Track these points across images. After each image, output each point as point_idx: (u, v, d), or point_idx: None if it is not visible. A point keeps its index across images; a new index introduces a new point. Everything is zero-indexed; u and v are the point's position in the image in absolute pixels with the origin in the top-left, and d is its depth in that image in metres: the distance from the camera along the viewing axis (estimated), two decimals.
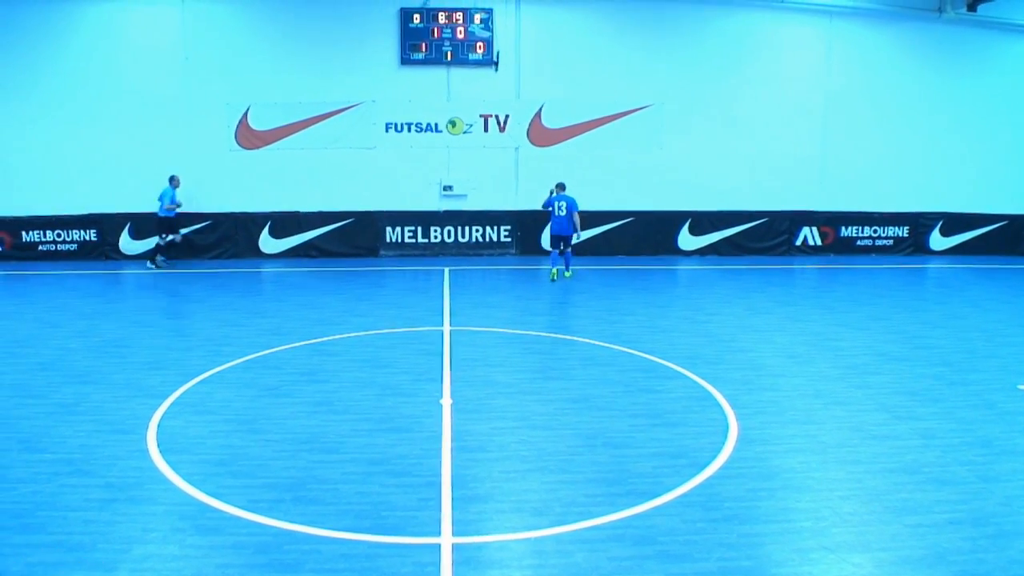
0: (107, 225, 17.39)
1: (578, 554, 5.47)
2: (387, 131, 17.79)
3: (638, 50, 18.00)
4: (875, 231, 19.09)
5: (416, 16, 17.23)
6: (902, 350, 10.72)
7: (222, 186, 17.33)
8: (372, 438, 7.50)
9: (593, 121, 18.11)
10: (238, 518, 5.92)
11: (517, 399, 8.61)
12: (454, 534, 5.73)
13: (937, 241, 19.28)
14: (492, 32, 17.40)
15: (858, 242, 19.07)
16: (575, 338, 11.19)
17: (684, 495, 6.35)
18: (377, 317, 12.45)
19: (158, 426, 7.73)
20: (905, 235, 19.18)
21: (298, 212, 17.82)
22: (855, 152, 18.69)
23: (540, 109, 18.00)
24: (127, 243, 17.49)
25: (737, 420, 7.98)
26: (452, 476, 6.66)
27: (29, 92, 16.85)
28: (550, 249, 16.21)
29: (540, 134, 18.10)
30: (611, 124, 18.14)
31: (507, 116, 17.96)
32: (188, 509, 6.07)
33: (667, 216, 18.46)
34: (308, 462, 6.94)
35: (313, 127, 17.57)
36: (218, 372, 9.46)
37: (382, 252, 18.15)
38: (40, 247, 17.28)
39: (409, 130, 17.84)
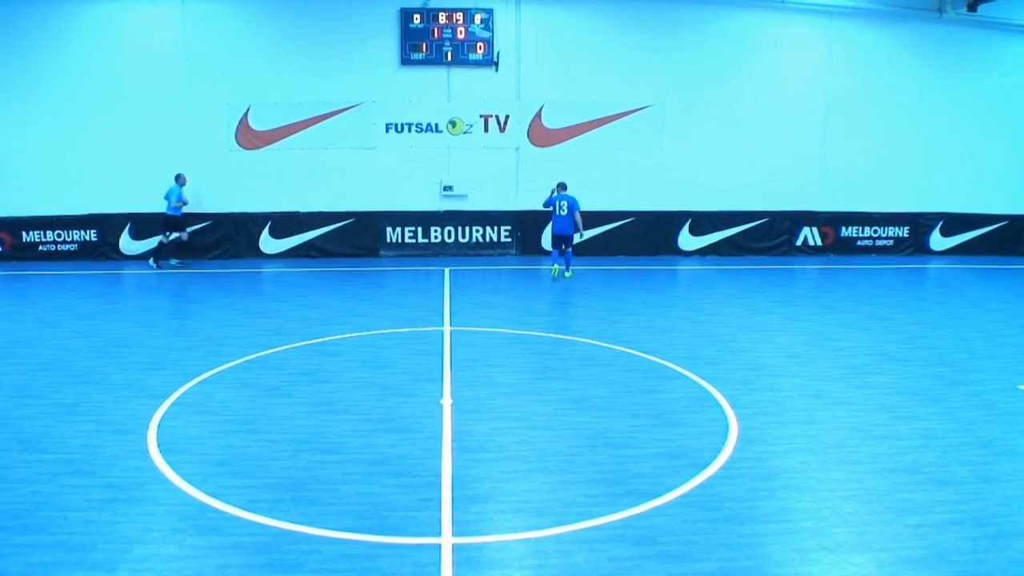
0: (107, 225, 17.40)
1: (578, 554, 5.47)
2: (387, 131, 17.79)
3: (638, 50, 18.00)
4: (875, 231, 19.09)
5: (416, 16, 17.23)
6: (902, 350, 10.72)
7: (222, 186, 17.33)
8: (372, 438, 7.50)
9: (593, 121, 18.11)
10: (238, 518, 5.93)
11: (517, 399, 8.61)
12: (454, 534, 5.73)
13: (937, 241, 19.28)
14: (492, 32, 17.40)
15: (858, 242, 19.07)
16: (575, 338, 11.19)
17: (684, 495, 6.35)
18: (377, 317, 12.45)
19: (158, 426, 7.73)
20: (905, 235, 19.18)
21: (298, 212, 17.82)
22: (855, 152, 18.69)
23: (540, 109, 18.00)
24: (127, 243, 17.50)
25: (737, 420, 7.98)
26: (452, 476, 6.66)
27: (29, 92, 16.85)
28: (551, 249, 16.28)
29: (540, 134, 18.10)
30: (611, 124, 18.14)
31: (507, 116, 17.97)
32: (188, 509, 6.07)
33: (667, 216, 18.46)
34: (308, 462, 6.94)
35: (313, 127, 17.57)
36: (218, 372, 9.46)
37: (382, 252, 18.15)
38: (40, 247, 17.29)
39: (409, 130, 17.84)
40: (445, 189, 18.05)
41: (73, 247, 17.39)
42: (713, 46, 18.10)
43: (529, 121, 18.02)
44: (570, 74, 17.93)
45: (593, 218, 16.99)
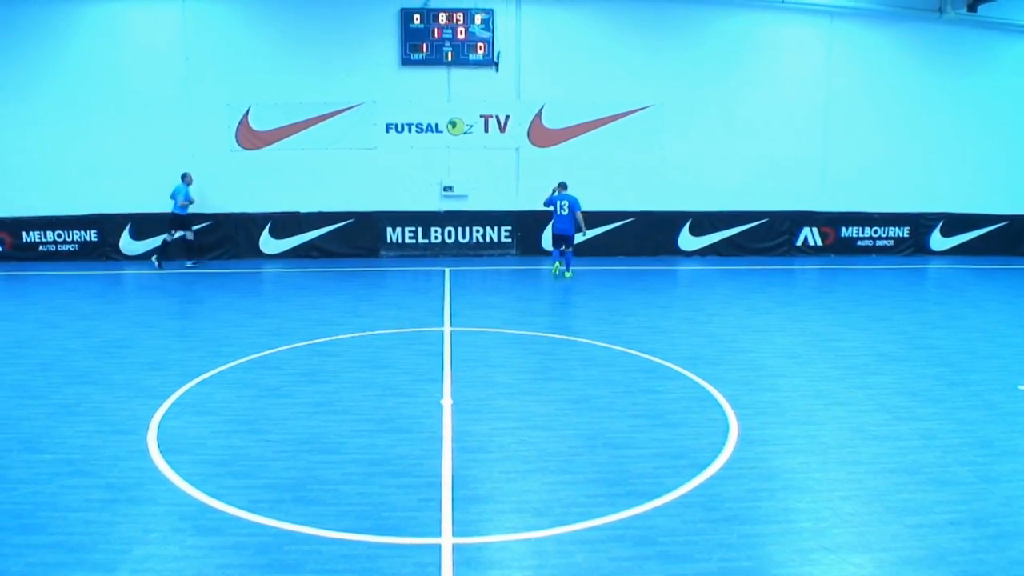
0: (108, 226, 17.40)
1: (579, 554, 5.47)
2: (387, 131, 17.80)
3: (639, 51, 18.00)
4: (875, 231, 19.09)
5: (416, 16, 17.23)
6: (902, 351, 10.72)
7: (223, 186, 17.33)
8: (373, 439, 7.50)
9: (594, 122, 18.11)
10: (238, 518, 5.93)
11: (517, 399, 8.61)
12: (454, 535, 5.73)
13: (937, 241, 19.28)
14: (492, 32, 17.40)
15: (858, 242, 19.07)
16: (575, 339, 11.19)
17: (684, 496, 6.35)
18: (378, 318, 12.46)
19: (159, 426, 7.73)
20: (905, 235, 19.18)
21: (298, 212, 17.83)
22: (856, 152, 18.69)
23: (540, 110, 18.00)
24: (128, 243, 17.50)
25: (737, 421, 7.98)
26: (452, 477, 6.66)
27: (29, 92, 16.86)
28: (551, 249, 16.33)
29: (540, 134, 18.10)
30: (612, 125, 18.14)
31: (507, 116, 17.97)
32: (188, 509, 6.07)
33: (668, 216, 18.46)
34: (309, 463, 6.94)
35: (313, 127, 17.58)
36: (219, 373, 9.46)
37: (382, 252, 18.15)
38: (41, 247, 17.30)
39: (409, 131, 17.85)
40: (445, 189, 18.05)
41: (73, 247, 17.40)
42: (713, 46, 18.10)
43: (529, 121, 18.02)
44: (570, 74, 17.93)
45: (593, 218, 16.98)
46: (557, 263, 15.73)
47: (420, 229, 18.18)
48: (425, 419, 7.98)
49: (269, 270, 16.97)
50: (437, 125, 17.88)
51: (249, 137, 17.50)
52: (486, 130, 17.98)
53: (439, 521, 5.92)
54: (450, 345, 10.73)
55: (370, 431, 7.68)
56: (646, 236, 18.41)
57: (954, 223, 19.20)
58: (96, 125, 17.02)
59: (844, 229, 18.99)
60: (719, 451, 7.22)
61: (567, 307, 13.78)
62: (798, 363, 10.10)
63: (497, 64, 17.52)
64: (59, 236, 17.32)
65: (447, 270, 16.64)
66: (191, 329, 12.19)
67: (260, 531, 5.75)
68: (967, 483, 6.63)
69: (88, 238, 17.42)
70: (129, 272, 16.59)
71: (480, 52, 17.43)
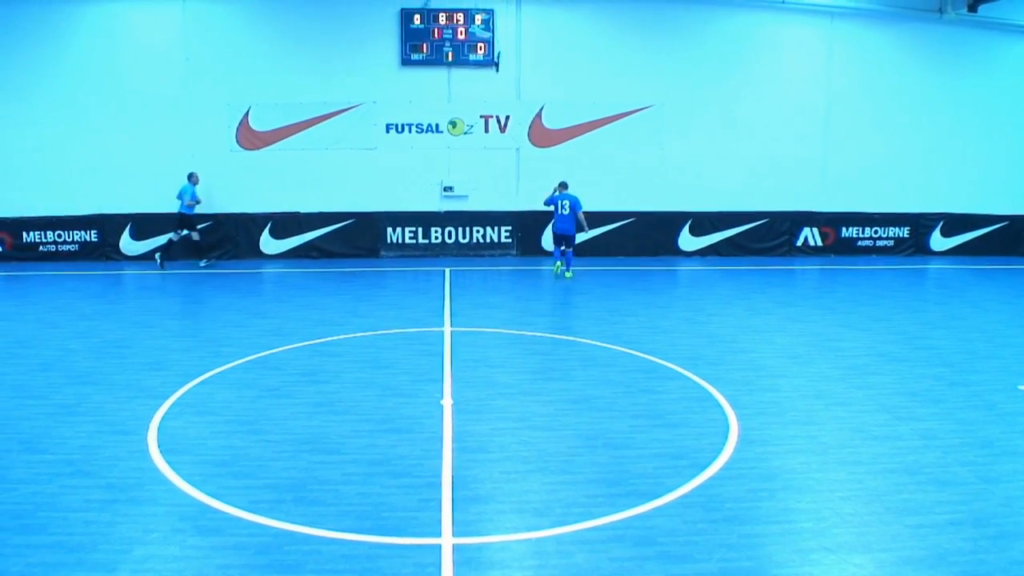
0: (108, 226, 17.41)
1: (579, 555, 5.47)
2: (388, 132, 17.79)
3: (639, 51, 18.00)
4: (876, 232, 19.09)
5: (417, 17, 17.22)
6: (903, 351, 10.72)
7: (223, 187, 17.32)
8: (373, 439, 7.50)
9: (594, 122, 18.11)
10: (239, 519, 5.93)
11: (518, 400, 8.61)
12: (455, 535, 5.73)
13: (938, 242, 19.27)
14: (493, 33, 17.39)
15: (859, 243, 19.06)
16: (576, 339, 11.19)
17: (685, 496, 6.35)
18: (378, 318, 12.46)
19: (159, 427, 7.74)
20: (906, 236, 19.17)
21: (299, 213, 17.83)
22: (856, 153, 18.68)
23: (541, 110, 18.00)
24: (128, 244, 17.51)
25: (738, 421, 7.98)
26: (453, 477, 6.66)
27: (29, 93, 16.86)
28: (552, 248, 16.38)
29: (541, 135, 18.10)
30: (612, 125, 18.14)
31: (508, 117, 17.97)
32: (189, 510, 6.07)
33: (668, 217, 18.46)
34: (309, 463, 6.94)
35: (314, 128, 17.58)
36: (219, 373, 9.47)
37: (383, 253, 18.15)
38: (41, 248, 17.30)
39: (410, 131, 17.84)
40: (445, 190, 18.05)
41: (74, 247, 17.41)
42: (714, 46, 18.10)
43: (529, 122, 18.02)
44: (570, 75, 17.93)
45: (593, 218, 16.97)
46: (558, 264, 15.76)
47: (420, 229, 18.18)
48: (425, 419, 7.98)
49: (269, 270, 16.97)
50: (437, 125, 17.88)
51: (249, 137, 17.51)
52: (486, 130, 17.97)
53: (439, 521, 5.92)
54: (450, 345, 10.73)
55: (370, 431, 7.68)
56: (646, 236, 18.41)
57: (954, 223, 19.19)
58: (96, 125, 17.02)
59: (844, 229, 18.98)
60: (719, 451, 7.22)
61: (567, 307, 13.78)
62: (798, 363, 10.10)
63: (497, 64, 17.52)
64: (59, 236, 17.32)
65: (447, 270, 16.65)
66: (191, 329, 12.19)
67: (260, 531, 5.75)
68: (967, 483, 6.63)
69: (88, 238, 17.42)
70: (129, 272, 16.59)
71: (480, 52, 17.43)
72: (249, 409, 8.29)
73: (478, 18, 17.28)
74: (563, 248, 15.68)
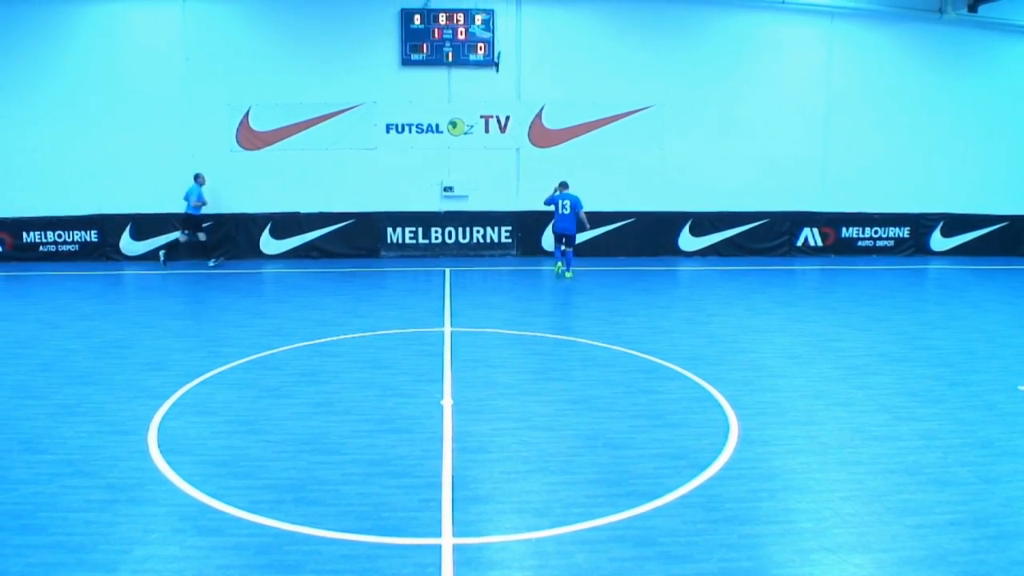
0: (108, 226, 17.41)
1: (579, 555, 5.47)
2: (388, 132, 17.80)
3: (639, 51, 18.00)
4: (876, 232, 19.09)
5: (417, 17, 17.22)
6: (903, 351, 10.72)
7: (223, 187, 17.31)
8: (373, 439, 7.50)
9: (594, 122, 18.11)
10: (239, 519, 5.93)
11: (518, 400, 8.61)
12: (455, 535, 5.73)
13: (938, 242, 19.27)
14: (493, 33, 17.40)
15: (859, 243, 19.07)
16: (576, 339, 11.19)
17: (685, 496, 6.35)
18: (378, 318, 12.46)
19: (159, 427, 7.74)
20: (906, 236, 19.17)
21: (299, 213, 17.83)
22: (856, 153, 18.69)
23: (541, 110, 18.00)
24: (128, 244, 17.52)
25: (738, 421, 7.98)
26: (453, 477, 6.66)
27: (30, 93, 16.86)
28: (552, 248, 16.44)
29: (541, 135, 18.10)
30: (612, 125, 18.14)
31: (508, 117, 17.97)
32: (189, 510, 6.08)
33: (668, 217, 18.46)
34: (309, 463, 6.94)
35: (314, 128, 17.58)
36: (219, 373, 9.47)
37: (383, 253, 18.16)
38: (41, 248, 17.31)
39: (410, 131, 17.85)
40: (446, 190, 18.05)
41: (74, 248, 17.41)
42: (714, 46, 18.10)
43: (530, 122, 18.02)
44: (571, 75, 17.93)
45: (594, 218, 16.97)
46: (559, 263, 15.79)
47: (420, 229, 18.18)
48: (425, 419, 7.98)
49: (269, 270, 16.97)
50: (437, 125, 17.88)
51: (249, 137, 17.51)
52: (486, 130, 17.98)
53: (439, 521, 5.92)
54: (450, 345, 10.73)
55: (370, 431, 7.68)
56: (646, 236, 18.41)
57: (954, 223, 19.19)
58: (96, 125, 17.02)
59: (844, 229, 18.99)
60: (719, 451, 7.22)
61: (567, 307, 13.78)
62: (798, 363, 10.10)
63: (497, 64, 17.52)
64: (59, 236, 17.33)
65: (447, 270, 16.65)
66: (191, 329, 12.19)
67: (260, 531, 5.76)
68: (967, 483, 6.63)
69: (88, 238, 17.43)
70: (129, 272, 16.59)
71: (480, 52, 17.43)
72: (249, 409, 8.29)
73: (478, 18, 17.28)
74: (563, 248, 15.71)
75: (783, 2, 17.92)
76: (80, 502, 6.16)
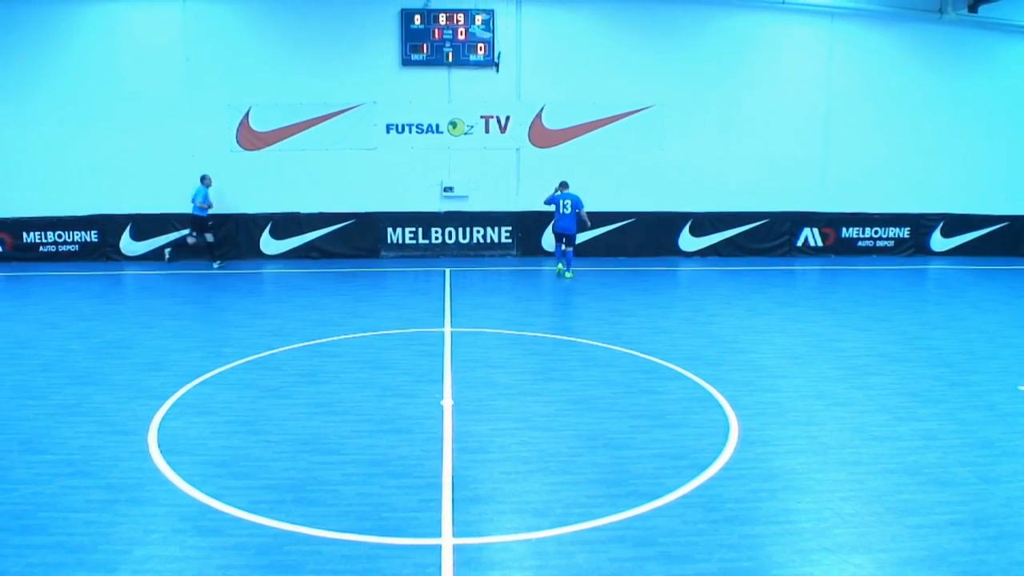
0: (108, 226, 17.42)
1: (579, 555, 5.47)
2: (388, 132, 17.80)
3: (639, 51, 18.00)
4: (876, 232, 19.09)
5: (417, 17, 17.23)
6: (903, 351, 10.72)
7: (223, 187, 17.28)
8: (373, 439, 7.50)
9: (594, 122, 18.11)
10: (239, 519, 5.93)
11: (518, 400, 8.61)
12: (455, 535, 5.73)
13: (938, 242, 19.28)
14: (493, 33, 17.40)
15: (859, 243, 19.07)
16: (576, 339, 11.19)
17: (685, 496, 6.36)
18: (378, 318, 12.46)
19: (159, 427, 7.74)
20: (906, 236, 19.18)
21: (299, 213, 17.83)
22: (856, 153, 18.69)
23: (541, 110, 18.00)
24: (128, 244, 17.52)
25: (738, 421, 7.98)
26: (453, 477, 6.66)
27: (30, 93, 16.86)
28: (553, 247, 16.47)
29: (541, 135, 18.10)
30: (612, 125, 18.14)
31: (508, 117, 17.97)
32: (189, 510, 6.08)
33: (668, 217, 18.46)
34: (309, 463, 6.94)
35: (314, 128, 17.58)
36: (219, 373, 9.47)
37: (383, 253, 18.16)
38: (41, 248, 17.31)
39: (410, 131, 17.85)
40: (446, 190, 18.05)
41: (74, 248, 17.41)
42: (714, 47, 18.10)
43: (530, 122, 18.02)
44: (571, 75, 17.93)
45: (594, 219, 16.95)
46: (560, 264, 15.83)
47: (420, 230, 18.18)
48: (425, 420, 7.98)
49: (269, 271, 16.97)
50: (438, 126, 17.88)
51: (250, 138, 17.51)
52: (487, 131, 17.98)
53: (440, 522, 5.92)
54: (450, 346, 10.73)
55: (370, 432, 7.68)
56: (647, 237, 18.41)
57: (955, 224, 19.20)
58: (96, 125, 17.02)
59: (845, 230, 18.99)
60: (720, 452, 7.22)
61: (568, 308, 13.78)
62: (799, 364, 10.10)
63: (497, 65, 17.53)
64: (60, 237, 17.33)
65: (447, 271, 16.65)
66: (191, 330, 12.18)
67: (261, 532, 5.76)
68: (968, 484, 6.63)
69: (88, 239, 17.43)
70: (129, 273, 16.60)
71: (480, 53, 17.43)
72: (249, 410, 8.29)
73: (478, 18, 17.28)
74: (564, 247, 15.73)
75: (783, 2, 17.92)
76: (80, 502, 6.16)
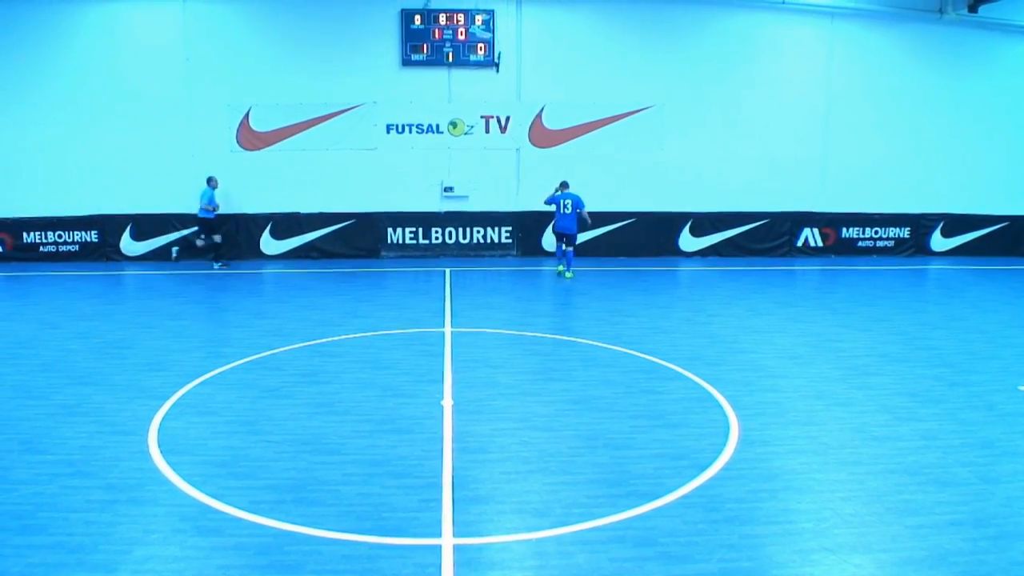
0: (108, 226, 17.42)
1: (579, 555, 5.47)
2: (388, 132, 17.80)
3: (640, 51, 18.00)
4: (876, 232, 19.09)
5: (417, 17, 17.23)
6: (903, 351, 10.72)
7: (223, 187, 17.29)
8: (373, 439, 7.50)
9: (594, 122, 18.11)
10: (239, 519, 5.93)
11: (518, 400, 8.61)
12: (455, 535, 5.73)
13: (938, 242, 19.28)
14: (493, 33, 17.40)
15: (859, 243, 19.08)
16: (576, 339, 11.19)
17: (685, 496, 6.35)
18: (378, 318, 12.46)
19: (159, 427, 7.74)
20: (906, 236, 19.18)
21: (299, 213, 17.84)
22: (856, 153, 18.69)
23: (541, 110, 18.01)
24: (128, 244, 17.52)
25: (738, 421, 7.98)
26: (453, 477, 6.66)
27: (30, 93, 16.87)
28: (554, 247, 16.50)
29: (541, 135, 18.10)
30: (612, 125, 18.14)
31: (508, 117, 17.97)
32: (189, 510, 6.07)
33: (668, 217, 18.47)
34: (309, 463, 6.94)
35: (314, 128, 17.59)
36: (219, 373, 9.47)
37: (383, 253, 18.16)
38: (41, 248, 17.32)
39: (410, 131, 17.85)
40: (446, 190, 18.06)
41: (74, 248, 17.42)
42: (714, 47, 18.10)
43: (530, 122, 18.03)
44: (571, 75, 17.93)
45: (594, 219, 16.95)
46: (561, 265, 15.85)
47: (421, 230, 18.19)
48: (426, 420, 7.98)
49: (270, 271, 16.98)
50: (438, 126, 17.88)
51: (250, 138, 17.51)
52: (487, 131, 17.98)
53: (440, 522, 5.92)
54: (451, 346, 10.73)
55: (371, 432, 7.68)
56: (647, 237, 18.42)
57: (955, 224, 19.20)
58: (97, 125, 17.03)
59: (845, 230, 18.99)
60: (720, 452, 7.22)
61: (568, 308, 13.78)
62: (799, 364, 10.10)
63: (498, 65, 17.53)
64: (60, 237, 17.34)
65: (448, 271, 16.65)
66: (191, 330, 12.18)
67: (261, 532, 5.76)
68: (968, 484, 6.63)
69: (89, 239, 17.44)
70: (130, 273, 16.60)
71: (481, 53, 17.43)
72: (249, 410, 8.29)
73: (478, 19, 17.29)
74: (564, 247, 15.75)
75: (783, 2, 17.92)
76: (80, 502, 6.16)
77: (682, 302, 14.14)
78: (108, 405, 8.38)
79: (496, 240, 18.36)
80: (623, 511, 6.08)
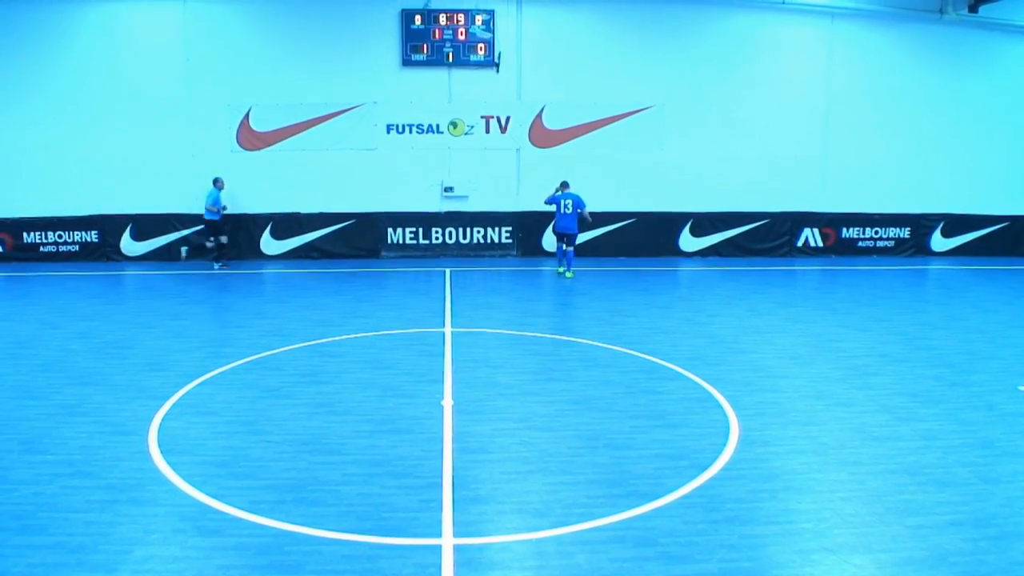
0: (108, 226, 17.43)
1: (579, 555, 5.47)
2: (388, 132, 17.80)
3: (640, 51, 18.01)
4: (876, 232, 19.09)
5: (417, 17, 17.23)
6: (903, 351, 10.72)
7: (226, 188, 17.31)
8: (373, 439, 7.50)
9: (595, 122, 18.12)
10: (239, 519, 5.93)
11: (518, 400, 8.61)
12: (455, 535, 5.73)
13: (938, 242, 19.28)
14: (493, 33, 17.40)
15: (859, 243, 19.08)
16: (576, 339, 11.19)
17: (685, 496, 6.35)
18: (378, 318, 12.46)
19: (159, 427, 7.74)
20: (906, 236, 19.18)
21: (299, 213, 17.84)
22: (856, 153, 18.70)
23: (541, 110, 18.01)
24: (128, 244, 17.53)
25: (738, 421, 7.98)
26: (453, 477, 6.66)
27: (30, 93, 16.87)
28: (554, 247, 16.52)
29: (541, 135, 18.10)
30: (613, 125, 18.14)
31: (508, 117, 17.97)
32: (189, 510, 6.07)
33: (668, 217, 18.47)
34: (309, 463, 6.94)
35: (314, 128, 17.59)
36: (219, 373, 9.47)
37: (383, 253, 18.16)
38: (41, 248, 17.33)
39: (410, 131, 17.85)
40: (446, 190, 18.06)
41: (74, 248, 17.42)
42: (714, 47, 18.11)
43: (530, 122, 18.03)
44: (571, 75, 17.93)
45: (594, 219, 16.94)
46: (561, 265, 15.86)
47: (421, 230, 18.19)
48: (426, 420, 7.98)
49: (270, 271, 16.98)
50: (438, 126, 17.88)
51: (250, 138, 17.52)
52: (487, 131, 17.98)
53: (440, 522, 5.92)
54: (451, 346, 10.73)
55: (371, 432, 7.68)
56: (647, 237, 18.42)
57: (955, 224, 19.20)
58: (97, 125, 17.03)
59: (845, 230, 18.99)
60: (720, 452, 7.22)
61: (568, 308, 13.78)
62: (799, 364, 10.10)
63: (498, 65, 17.53)
64: (60, 237, 17.35)
65: (448, 271, 16.65)
66: (192, 330, 12.18)
67: (261, 532, 5.76)
68: (968, 484, 6.63)
69: (89, 239, 17.44)
70: (130, 273, 16.60)
71: (481, 53, 17.43)
72: (250, 410, 8.29)
73: (479, 19, 17.29)
74: (565, 247, 15.76)
75: (783, 2, 17.92)
76: (81, 502, 6.16)
77: (682, 302, 14.14)
78: (108, 405, 8.38)
79: (496, 240, 18.37)
80: (623, 511, 6.08)
